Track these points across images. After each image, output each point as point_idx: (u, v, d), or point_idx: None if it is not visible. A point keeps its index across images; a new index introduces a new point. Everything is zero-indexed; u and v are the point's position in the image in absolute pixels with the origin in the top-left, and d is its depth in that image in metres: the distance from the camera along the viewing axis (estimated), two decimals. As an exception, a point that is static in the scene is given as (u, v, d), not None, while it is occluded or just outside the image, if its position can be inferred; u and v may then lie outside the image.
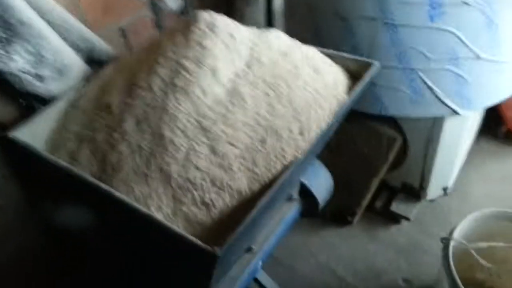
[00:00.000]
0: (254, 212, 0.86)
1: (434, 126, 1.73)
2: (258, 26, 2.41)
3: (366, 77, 1.11)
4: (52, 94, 1.20)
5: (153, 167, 0.95)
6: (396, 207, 2.03)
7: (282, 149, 0.96)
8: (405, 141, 1.86)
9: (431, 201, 2.10)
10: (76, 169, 0.99)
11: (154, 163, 0.95)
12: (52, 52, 1.15)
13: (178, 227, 0.91)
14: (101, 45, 1.39)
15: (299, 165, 0.96)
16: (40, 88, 1.17)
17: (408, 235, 2.02)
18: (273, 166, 0.95)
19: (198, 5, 2.06)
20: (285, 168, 0.95)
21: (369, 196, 1.99)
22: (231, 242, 0.82)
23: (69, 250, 1.45)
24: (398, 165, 1.97)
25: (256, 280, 1.62)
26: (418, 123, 1.75)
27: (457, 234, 1.46)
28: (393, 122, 1.83)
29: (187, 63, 0.97)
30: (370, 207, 2.07)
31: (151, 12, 1.87)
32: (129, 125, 1.00)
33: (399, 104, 1.60)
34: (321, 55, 1.19)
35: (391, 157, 1.88)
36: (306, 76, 1.06)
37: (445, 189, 2.05)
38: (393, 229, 2.06)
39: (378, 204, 2.08)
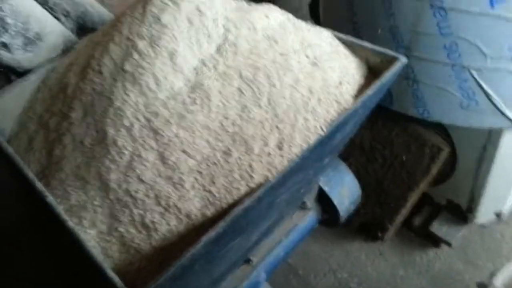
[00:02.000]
0: (195, 249, 0.66)
1: (489, 138, 1.46)
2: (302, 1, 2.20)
3: (386, 76, 0.83)
4: (23, 66, 1.08)
5: (92, 171, 0.78)
6: (437, 228, 1.78)
7: (250, 166, 0.74)
8: (453, 152, 1.59)
9: (481, 226, 1.82)
10: (17, 158, 0.85)
11: (94, 167, 0.78)
12: (18, 18, 1.01)
13: (111, 250, 0.74)
14: (96, 10, 1.24)
15: (272, 188, 0.73)
16: (8, 58, 1.05)
17: (448, 263, 1.77)
18: (235, 187, 0.73)
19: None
20: (251, 191, 0.73)
21: (405, 211, 1.74)
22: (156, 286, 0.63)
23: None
24: (444, 179, 1.71)
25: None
26: (470, 133, 1.48)
27: (499, 280, 1.17)
28: (440, 128, 1.56)
29: (140, 44, 0.76)
30: (406, 224, 1.83)
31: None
32: (77, 114, 0.83)
33: (446, 109, 1.33)
34: (335, 42, 0.92)
35: (435, 169, 1.61)
36: (299, 70, 0.80)
37: (498, 214, 1.76)
38: (430, 253, 1.81)
39: (416, 221, 1.84)
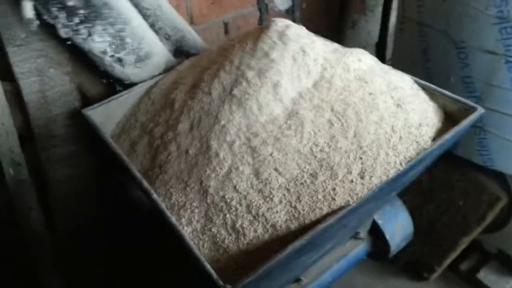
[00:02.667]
0: (282, 255, 0.75)
1: (551, 193, 1.43)
2: (371, 37, 2.29)
3: (463, 124, 0.91)
4: (130, 79, 1.22)
5: (194, 177, 0.90)
6: (485, 276, 1.74)
7: (334, 190, 0.83)
8: (510, 202, 1.57)
9: (531, 280, 1.75)
10: (126, 159, 0.99)
11: (196, 173, 0.90)
12: (135, 38, 1.16)
13: (203, 247, 0.85)
14: (192, 36, 1.38)
15: (350, 212, 0.82)
16: (120, 71, 1.20)
17: None
18: (319, 207, 0.82)
19: (307, 8, 1.98)
20: (332, 212, 0.81)
21: (454, 256, 1.73)
22: (247, 283, 0.73)
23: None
24: (498, 228, 1.69)
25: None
26: (531, 186, 1.46)
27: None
28: (501, 178, 1.55)
29: (249, 73, 0.88)
30: (453, 268, 1.80)
31: (258, 10, 1.83)
32: (183, 126, 0.96)
33: (510, 160, 1.34)
34: (415, 86, 1.01)
35: (490, 217, 1.60)
36: (384, 109, 0.90)
37: (552, 271, 1.69)
38: (475, 301, 1.76)
39: (464, 266, 1.80)
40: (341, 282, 1.83)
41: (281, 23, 0.92)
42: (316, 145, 0.86)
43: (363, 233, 1.43)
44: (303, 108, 0.88)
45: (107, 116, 1.18)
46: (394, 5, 2.07)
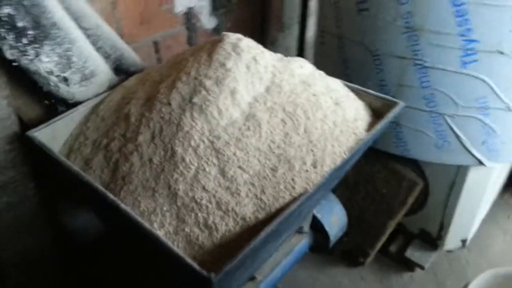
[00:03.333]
0: (255, 241, 0.83)
1: (458, 174, 1.68)
2: (289, 53, 2.47)
3: (389, 116, 1.08)
4: (75, 98, 1.22)
5: (161, 183, 0.94)
6: (411, 254, 1.95)
7: (293, 180, 0.94)
8: (426, 186, 1.80)
9: (448, 251, 2.01)
10: (85, 175, 0.99)
11: (163, 179, 0.95)
12: (81, 57, 1.17)
13: (178, 246, 0.90)
14: (130, 55, 1.42)
15: (308, 198, 0.93)
16: (65, 91, 1.19)
17: (421, 285, 1.93)
18: (281, 196, 0.92)
19: (232, 26, 2.10)
20: (293, 199, 0.92)
21: (383, 239, 1.92)
22: (228, 269, 0.80)
23: (75, 255, 1.45)
24: (417, 210, 1.91)
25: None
26: (441, 169, 1.70)
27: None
28: (415, 165, 1.78)
29: (207, 82, 0.97)
30: (383, 250, 1.99)
31: (186, 29, 1.91)
32: (144, 137, 1.00)
33: (423, 148, 1.56)
34: (345, 88, 1.17)
35: (410, 201, 1.82)
36: (326, 108, 1.04)
37: (464, 241, 1.96)
38: (406, 276, 1.97)
39: (393, 248, 2.01)
40: (286, 278, 1.94)
41: (233, 36, 1.02)
42: (273, 142, 0.96)
43: (306, 227, 1.55)
44: (259, 110, 0.98)
45: (52, 137, 1.17)
46: (309, 22, 2.28)
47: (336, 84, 1.13)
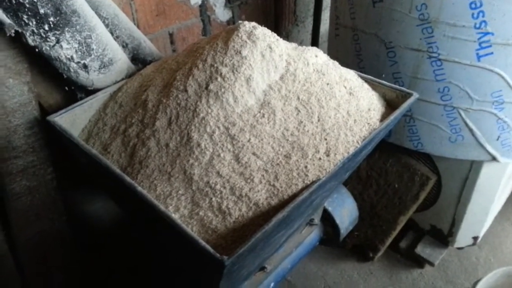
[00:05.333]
0: (268, 226, 0.84)
1: (471, 170, 1.67)
2: (303, 46, 2.48)
3: (403, 107, 1.08)
4: (94, 85, 1.25)
5: (177, 167, 0.96)
6: (422, 250, 1.96)
7: (306, 167, 0.95)
8: (439, 181, 1.80)
9: (459, 249, 2.01)
10: (103, 158, 1.02)
11: (179, 164, 0.96)
12: (100, 45, 1.20)
13: (192, 230, 0.91)
14: (147, 45, 1.44)
15: (321, 186, 0.94)
16: (84, 77, 1.22)
17: (430, 281, 1.93)
18: (294, 183, 0.93)
19: (246, 19, 2.12)
20: (306, 187, 0.93)
21: (394, 234, 1.92)
22: (241, 253, 0.81)
23: (90, 240, 1.48)
24: (429, 206, 1.91)
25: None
26: (454, 165, 1.70)
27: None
28: (429, 160, 1.77)
29: (223, 70, 0.98)
30: (394, 246, 2.00)
31: (201, 21, 1.93)
32: (161, 123, 1.02)
33: (437, 142, 1.56)
34: (359, 79, 1.17)
35: (423, 196, 1.81)
36: (340, 97, 1.04)
37: (475, 238, 1.95)
38: (415, 273, 1.97)
39: (403, 244, 2.01)
40: (296, 271, 1.96)
41: (249, 24, 1.03)
42: (287, 130, 0.97)
43: (317, 219, 1.56)
44: (274, 98, 0.99)
45: (72, 122, 1.19)
46: (322, 16, 2.28)
47: (351, 74, 1.14)
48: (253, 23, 1.04)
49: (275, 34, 1.06)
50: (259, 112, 0.98)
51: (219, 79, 0.98)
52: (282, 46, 1.05)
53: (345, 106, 1.04)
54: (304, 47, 1.11)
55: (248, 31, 1.01)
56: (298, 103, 1.00)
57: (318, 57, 1.09)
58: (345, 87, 1.08)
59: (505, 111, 1.41)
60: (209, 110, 0.97)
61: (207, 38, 1.11)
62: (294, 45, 1.12)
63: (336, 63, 1.15)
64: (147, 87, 1.14)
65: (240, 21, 1.05)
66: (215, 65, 0.99)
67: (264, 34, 1.03)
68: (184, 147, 0.97)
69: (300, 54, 1.07)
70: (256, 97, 0.99)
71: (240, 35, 1.01)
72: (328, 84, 1.04)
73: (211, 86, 0.98)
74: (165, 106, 1.03)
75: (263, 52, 1.00)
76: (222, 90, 0.97)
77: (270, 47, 1.01)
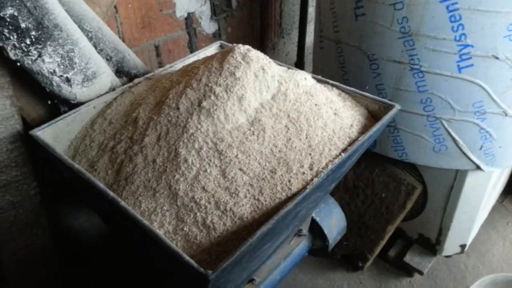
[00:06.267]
0: (252, 239, 0.84)
1: (456, 179, 1.69)
2: (289, 58, 2.50)
3: (385, 119, 1.10)
4: (77, 99, 1.24)
5: (163, 183, 0.96)
6: (410, 259, 1.97)
7: (289, 181, 0.95)
8: (425, 190, 1.82)
9: (447, 257, 2.02)
10: (86, 172, 1.00)
11: (165, 179, 0.96)
12: (83, 58, 1.19)
13: (177, 245, 0.91)
14: (132, 58, 1.44)
15: (305, 197, 0.94)
16: (67, 91, 1.21)
17: None
18: (278, 197, 0.94)
19: (232, 31, 2.13)
20: (290, 199, 0.93)
21: (383, 243, 1.93)
22: (225, 267, 0.81)
23: (75, 253, 1.46)
24: (416, 215, 1.93)
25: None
26: (440, 174, 1.72)
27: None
28: (414, 169, 1.79)
29: (217, 89, 1.00)
30: (382, 255, 2.01)
31: (187, 33, 1.94)
32: (150, 139, 1.03)
33: (421, 152, 1.58)
34: (342, 96, 1.20)
35: (409, 205, 1.83)
36: (327, 117, 1.08)
37: (462, 246, 1.97)
38: (405, 282, 1.98)
39: (392, 253, 2.02)
40: (286, 282, 1.96)
41: (243, 47, 1.07)
42: (276, 146, 0.99)
43: (305, 230, 1.56)
44: (264, 116, 1.02)
45: (55, 136, 1.18)
46: (308, 28, 2.31)
47: (334, 96, 1.18)
48: (247, 46, 1.08)
49: (268, 57, 1.10)
50: (249, 129, 1.00)
51: (212, 97, 1.00)
52: (274, 68, 1.08)
53: (331, 126, 1.08)
54: (294, 69, 1.16)
55: (242, 53, 1.04)
56: (288, 121, 1.03)
57: (307, 79, 1.13)
58: (331, 108, 1.11)
59: (487, 121, 1.43)
60: (199, 126, 0.98)
61: (202, 59, 1.13)
62: (284, 67, 1.15)
63: (323, 86, 1.18)
64: (139, 105, 1.14)
65: (234, 44, 1.08)
66: (210, 85, 1.02)
67: (257, 56, 1.06)
68: (171, 162, 0.97)
69: (291, 76, 1.11)
70: (248, 115, 1.01)
71: (235, 56, 1.03)
72: (316, 104, 1.08)
73: (204, 103, 1.00)
74: (155, 123, 1.03)
75: (256, 73, 1.03)
76: (214, 107, 0.99)
77: (263, 69, 1.04)
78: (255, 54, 1.07)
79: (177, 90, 1.05)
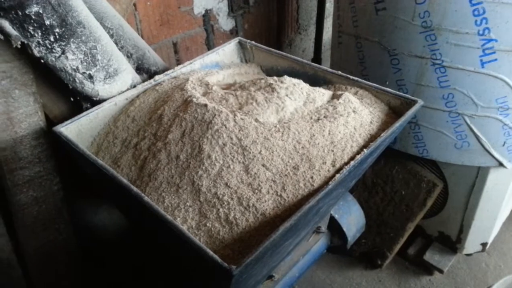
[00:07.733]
0: (275, 235, 0.84)
1: (478, 176, 1.66)
2: (306, 54, 2.48)
3: (407, 115, 1.08)
4: (100, 95, 1.25)
5: (186, 179, 0.97)
6: (430, 257, 1.94)
7: (312, 178, 0.95)
8: (446, 188, 1.79)
9: (468, 255, 1.99)
10: (109, 168, 1.00)
11: (188, 175, 0.97)
12: (105, 55, 1.20)
13: (200, 241, 0.91)
14: (151, 55, 1.45)
15: (327, 193, 0.94)
16: (90, 88, 1.22)
17: None
18: (301, 193, 0.93)
19: (249, 28, 2.13)
20: (312, 195, 0.93)
21: (402, 241, 1.91)
22: (248, 262, 0.81)
23: (95, 249, 1.48)
24: (437, 212, 1.90)
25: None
26: (461, 171, 1.69)
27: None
28: (435, 166, 1.77)
29: (259, 98, 1.09)
30: (402, 253, 1.99)
31: (204, 30, 1.94)
32: (173, 135, 1.03)
33: (443, 149, 1.55)
34: (360, 96, 1.22)
35: (430, 203, 1.80)
36: (347, 115, 1.09)
37: (484, 245, 1.93)
38: (424, 280, 1.96)
39: (411, 251, 2.00)
40: (304, 279, 1.95)
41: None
42: (299, 143, 1.00)
43: (324, 227, 1.55)
44: (293, 117, 1.07)
45: (77, 133, 1.19)
46: (325, 24, 2.29)
47: (351, 95, 1.20)
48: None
49: (301, 81, 1.22)
50: (275, 126, 1.01)
51: (254, 104, 1.06)
52: (303, 84, 1.20)
53: (352, 123, 1.08)
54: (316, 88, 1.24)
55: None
56: (312, 120, 1.06)
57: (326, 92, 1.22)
58: (351, 108, 1.12)
59: (510, 117, 1.40)
60: (226, 123, 0.98)
61: (249, 81, 1.23)
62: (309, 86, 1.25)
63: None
64: (164, 102, 1.15)
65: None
66: (253, 94, 1.09)
67: (289, 78, 1.20)
68: (194, 158, 0.97)
69: (316, 89, 1.20)
70: (280, 117, 1.06)
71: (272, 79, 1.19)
72: (337, 107, 1.11)
73: (244, 108, 1.04)
74: (181, 120, 1.04)
75: (289, 88, 1.14)
76: (254, 111, 1.04)
77: (294, 84, 1.16)
78: (287, 77, 1.23)
79: (219, 96, 1.11)
